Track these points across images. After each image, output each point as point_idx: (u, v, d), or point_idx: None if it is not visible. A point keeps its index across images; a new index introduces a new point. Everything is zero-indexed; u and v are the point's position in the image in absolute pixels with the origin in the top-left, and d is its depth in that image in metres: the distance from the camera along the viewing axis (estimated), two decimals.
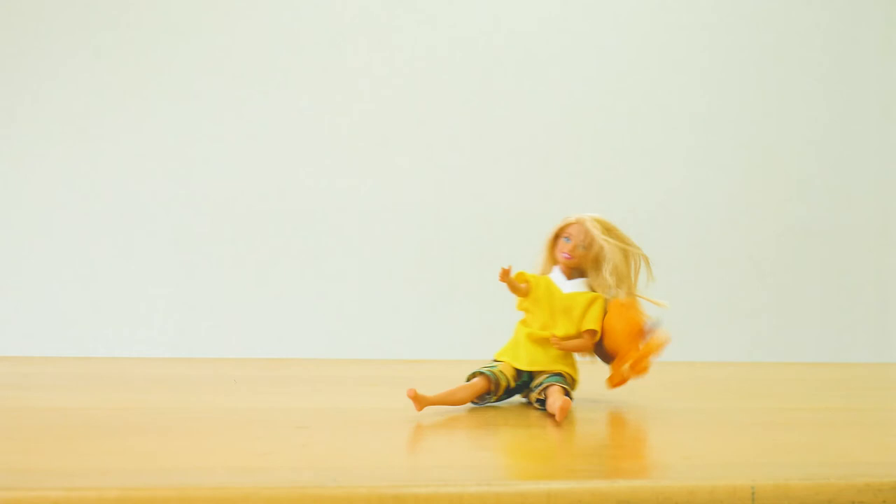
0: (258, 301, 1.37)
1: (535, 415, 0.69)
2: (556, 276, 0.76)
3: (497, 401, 0.73)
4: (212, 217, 1.37)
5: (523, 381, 0.73)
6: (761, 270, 1.50)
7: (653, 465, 0.51)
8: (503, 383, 0.72)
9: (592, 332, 0.74)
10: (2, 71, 1.34)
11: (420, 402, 0.66)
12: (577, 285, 0.75)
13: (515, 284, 0.74)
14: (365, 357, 1.35)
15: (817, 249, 1.52)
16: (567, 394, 0.72)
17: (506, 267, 0.73)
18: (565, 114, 1.47)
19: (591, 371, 1.05)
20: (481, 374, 0.71)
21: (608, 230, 0.76)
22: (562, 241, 0.76)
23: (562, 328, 0.73)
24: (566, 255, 0.75)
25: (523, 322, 0.75)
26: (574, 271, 0.76)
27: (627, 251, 0.76)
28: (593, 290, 0.75)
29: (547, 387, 0.70)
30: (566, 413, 0.65)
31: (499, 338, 1.44)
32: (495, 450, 0.54)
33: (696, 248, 1.49)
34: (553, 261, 0.77)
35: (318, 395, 0.78)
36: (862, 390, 0.95)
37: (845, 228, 1.53)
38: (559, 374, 0.72)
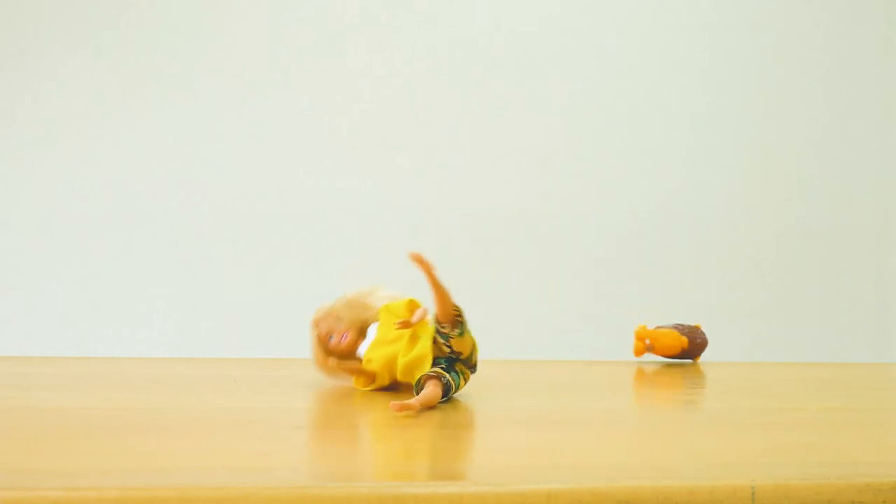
0: (258, 301, 1.37)
1: (534, 415, 0.69)
2: (363, 347, 0.81)
3: (456, 389, 0.74)
4: (212, 217, 1.37)
5: (443, 364, 0.74)
6: (761, 270, 1.50)
7: (653, 465, 0.51)
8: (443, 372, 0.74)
9: (411, 301, 0.80)
10: (2, 71, 1.34)
11: (410, 409, 0.65)
12: (372, 329, 0.81)
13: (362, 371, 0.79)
14: None
15: (817, 249, 1.52)
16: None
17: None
18: (565, 114, 1.47)
19: (592, 372, 1.05)
20: (426, 376, 0.72)
21: (331, 306, 0.83)
22: (332, 344, 0.82)
23: (404, 341, 0.77)
24: (344, 337, 0.81)
25: (398, 366, 0.78)
26: (359, 335, 0.81)
27: (346, 297, 0.83)
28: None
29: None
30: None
31: (498, 337, 1.44)
32: (495, 450, 0.54)
33: (696, 248, 1.49)
34: (346, 357, 0.82)
35: (317, 395, 0.78)
36: (862, 390, 0.95)
37: (845, 228, 1.53)
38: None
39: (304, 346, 1.42)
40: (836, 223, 1.53)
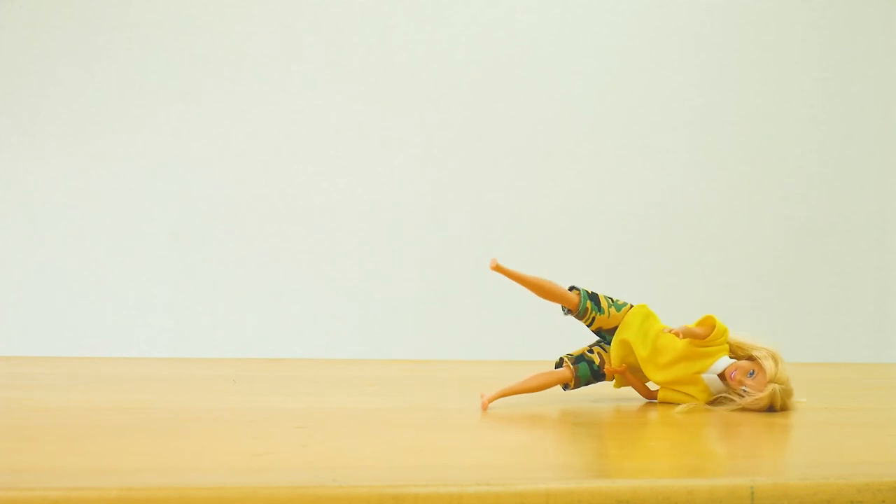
0: (258, 301, 1.37)
1: (534, 415, 0.69)
2: (723, 361, 0.79)
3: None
4: (212, 217, 1.37)
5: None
6: (761, 270, 1.50)
7: (653, 465, 0.51)
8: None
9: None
10: (2, 71, 1.34)
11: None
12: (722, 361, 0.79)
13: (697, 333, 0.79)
14: (365, 357, 1.36)
15: (817, 249, 1.52)
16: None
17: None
18: (565, 113, 1.47)
19: None
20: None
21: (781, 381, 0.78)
22: (748, 375, 0.77)
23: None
24: (739, 383, 0.77)
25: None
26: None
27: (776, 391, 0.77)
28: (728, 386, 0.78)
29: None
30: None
31: (498, 336, 1.44)
32: (495, 450, 0.54)
33: (696, 248, 1.49)
34: (728, 353, 0.80)
35: (318, 395, 0.78)
36: (862, 390, 0.95)
37: (845, 228, 1.53)
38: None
39: (304, 346, 1.42)
40: (836, 223, 1.53)
